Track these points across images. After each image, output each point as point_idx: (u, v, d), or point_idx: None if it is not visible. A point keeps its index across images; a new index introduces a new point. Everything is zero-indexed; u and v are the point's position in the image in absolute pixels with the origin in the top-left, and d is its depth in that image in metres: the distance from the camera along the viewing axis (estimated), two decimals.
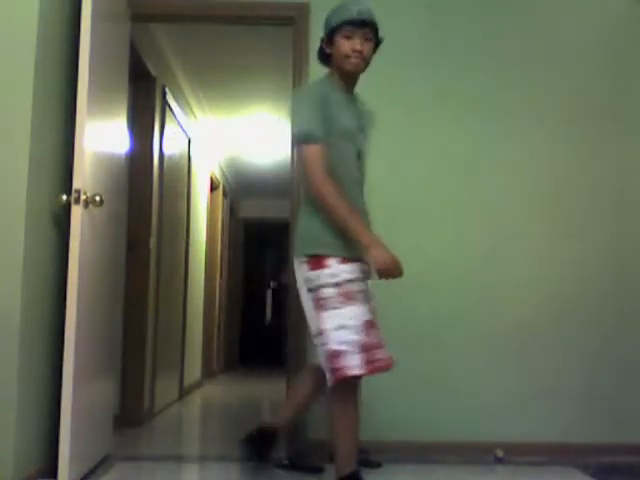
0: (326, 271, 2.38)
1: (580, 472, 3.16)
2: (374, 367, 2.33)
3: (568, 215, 3.61)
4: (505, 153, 3.62)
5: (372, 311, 2.42)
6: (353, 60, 2.49)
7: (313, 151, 2.36)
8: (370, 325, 2.36)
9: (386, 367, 2.36)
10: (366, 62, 2.53)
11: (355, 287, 2.37)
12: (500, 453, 3.37)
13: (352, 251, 2.41)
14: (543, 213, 3.59)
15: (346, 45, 2.48)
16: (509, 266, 3.55)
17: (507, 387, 3.48)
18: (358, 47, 2.47)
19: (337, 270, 2.37)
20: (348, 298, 2.35)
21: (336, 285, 2.36)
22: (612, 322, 3.55)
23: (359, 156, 2.58)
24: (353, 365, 2.31)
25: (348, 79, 2.57)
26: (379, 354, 2.35)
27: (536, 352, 3.51)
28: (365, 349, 2.32)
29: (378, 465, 3.16)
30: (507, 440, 3.42)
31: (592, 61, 3.69)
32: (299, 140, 2.40)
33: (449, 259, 3.54)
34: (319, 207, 2.41)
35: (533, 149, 3.63)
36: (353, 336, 2.31)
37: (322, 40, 2.60)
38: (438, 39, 3.66)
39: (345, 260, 2.39)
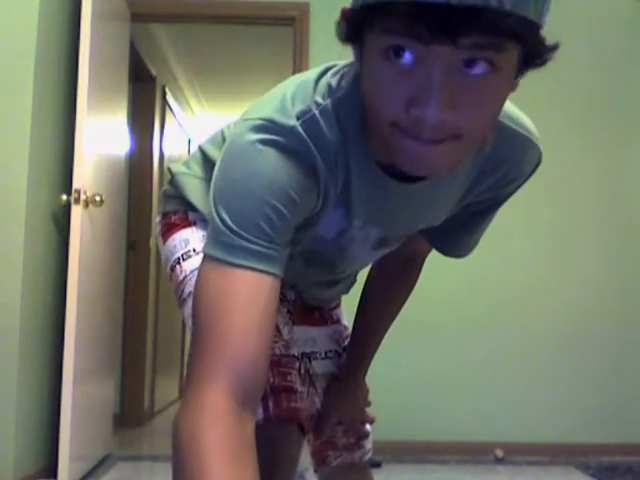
0: None
1: (580, 472, 3.16)
2: None
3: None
4: None
5: None
6: (407, 144, 0.76)
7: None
8: None
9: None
10: (474, 143, 0.80)
11: None
12: (500, 453, 3.37)
13: None
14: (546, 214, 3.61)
15: (388, 81, 0.74)
16: (509, 268, 3.56)
17: (507, 387, 3.48)
18: (433, 110, 0.70)
19: None
20: None
21: None
22: (611, 320, 3.54)
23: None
24: None
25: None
26: None
27: (536, 353, 3.51)
28: None
29: (378, 465, 3.16)
30: (507, 440, 3.42)
31: (591, 61, 3.69)
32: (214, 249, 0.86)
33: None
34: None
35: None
36: None
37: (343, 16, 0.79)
38: None
39: None
